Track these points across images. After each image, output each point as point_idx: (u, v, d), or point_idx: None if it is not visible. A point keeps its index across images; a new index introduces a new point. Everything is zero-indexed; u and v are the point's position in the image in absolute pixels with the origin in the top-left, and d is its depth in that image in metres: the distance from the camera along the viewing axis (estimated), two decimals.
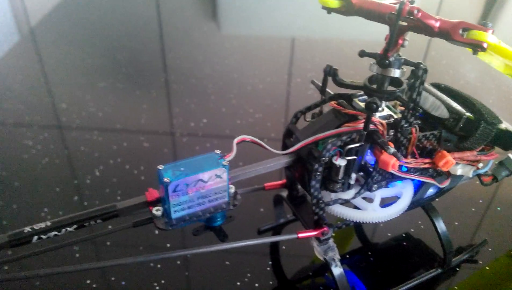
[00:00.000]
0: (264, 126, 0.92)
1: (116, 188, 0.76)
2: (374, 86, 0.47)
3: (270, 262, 0.65)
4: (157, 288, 0.61)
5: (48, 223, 0.41)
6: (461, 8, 1.61)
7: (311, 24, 1.42)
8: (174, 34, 1.37)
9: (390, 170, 0.47)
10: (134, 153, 0.85)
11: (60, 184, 0.77)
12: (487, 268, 0.64)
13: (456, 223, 0.71)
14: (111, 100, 1.01)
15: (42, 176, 0.79)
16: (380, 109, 0.49)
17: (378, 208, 0.52)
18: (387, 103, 0.50)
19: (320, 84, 0.52)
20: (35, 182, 0.78)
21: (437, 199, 0.72)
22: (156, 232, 0.68)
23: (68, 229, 0.41)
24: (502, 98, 1.04)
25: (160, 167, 0.41)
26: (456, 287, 0.61)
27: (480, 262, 0.65)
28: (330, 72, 0.49)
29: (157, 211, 0.42)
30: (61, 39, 1.32)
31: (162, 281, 0.62)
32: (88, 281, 0.61)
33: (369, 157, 0.51)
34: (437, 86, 0.57)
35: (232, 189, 0.45)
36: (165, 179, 0.39)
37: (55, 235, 0.41)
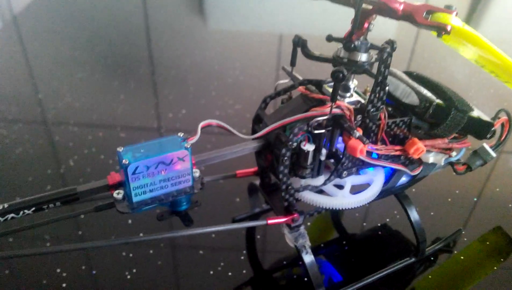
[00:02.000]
0: (243, 117, 0.92)
1: (90, 177, 0.75)
2: (344, 60, 0.46)
3: (244, 252, 0.65)
4: (129, 277, 0.60)
5: (6, 205, 0.40)
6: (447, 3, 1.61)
7: (297, 20, 1.42)
8: (158, 27, 1.36)
9: (358, 155, 0.46)
10: (110, 143, 0.84)
11: (33, 174, 0.76)
12: (460, 256, 0.64)
13: (431, 213, 0.71)
14: (88, 91, 1.00)
15: (15, 166, 0.78)
16: (348, 94, 0.48)
17: (348, 195, 0.52)
18: (356, 88, 0.49)
19: (290, 70, 0.52)
20: (8, 171, 0.77)
21: (413, 189, 0.73)
22: (130, 221, 0.68)
23: (27, 211, 0.40)
24: (482, 91, 1.05)
25: (120, 149, 0.40)
26: (430, 276, 0.61)
27: (455, 252, 0.65)
28: (299, 43, 0.48)
29: (118, 194, 0.42)
30: (43, 29, 1.30)
31: (134, 270, 0.61)
32: (58, 270, 0.60)
33: (340, 145, 0.51)
34: (409, 73, 0.56)
35: (197, 173, 0.44)
36: (124, 161, 0.39)
37: (13, 217, 0.40)
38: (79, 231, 0.66)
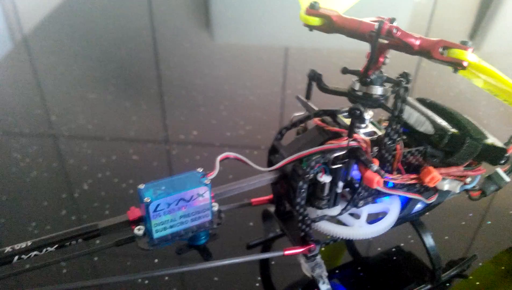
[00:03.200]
0: (255, 138, 0.92)
1: (105, 202, 0.76)
2: (359, 93, 0.46)
3: (259, 278, 0.65)
4: None
5: (29, 243, 0.40)
6: (452, 19, 1.62)
7: (303, 33, 1.42)
8: (166, 44, 1.38)
9: (375, 187, 0.47)
10: (123, 166, 0.84)
11: (48, 198, 0.76)
12: (475, 281, 0.64)
13: (446, 237, 0.71)
14: (101, 112, 1.01)
15: (30, 190, 0.78)
16: (363, 125, 0.49)
17: (365, 224, 0.52)
18: (371, 119, 0.50)
19: (305, 100, 0.52)
20: (23, 196, 0.77)
21: (427, 213, 0.73)
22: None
23: (49, 249, 0.41)
24: (492, 109, 1.05)
25: (141, 186, 0.40)
26: None
27: (471, 277, 0.65)
28: (315, 78, 0.49)
29: (139, 230, 0.42)
30: (54, 49, 1.32)
31: None
32: None
33: (355, 173, 0.51)
34: (422, 101, 0.57)
35: (216, 207, 0.45)
36: (145, 199, 0.39)
37: (36, 255, 0.41)
38: (94, 257, 0.67)
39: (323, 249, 0.69)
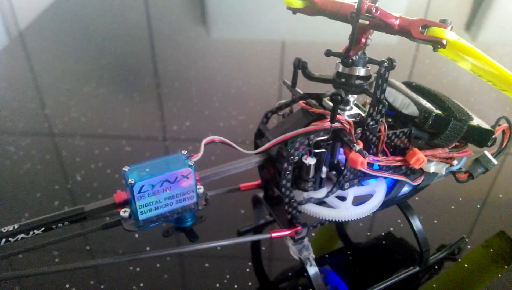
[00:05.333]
0: (247, 128, 0.93)
1: (97, 192, 0.76)
2: (343, 80, 0.47)
3: (249, 263, 0.65)
4: None
5: (16, 226, 0.41)
6: (448, 13, 1.62)
7: (300, 27, 1.43)
8: (162, 39, 1.38)
9: (359, 168, 0.47)
10: (116, 157, 0.85)
11: (41, 190, 0.77)
12: (464, 263, 0.64)
13: (435, 221, 0.71)
14: (94, 105, 1.01)
15: (23, 182, 0.79)
16: (348, 108, 0.49)
17: (351, 206, 0.53)
18: (356, 101, 0.50)
19: (291, 84, 0.53)
20: (16, 188, 0.78)
21: (416, 198, 0.73)
22: (136, 236, 0.69)
23: (36, 231, 0.41)
24: (484, 96, 1.05)
25: (126, 168, 0.41)
26: (434, 284, 0.62)
27: (459, 260, 0.65)
28: (299, 65, 0.49)
29: (124, 212, 0.42)
30: (49, 44, 1.32)
31: (141, 284, 0.62)
32: (67, 285, 0.61)
33: (342, 157, 0.51)
34: (408, 84, 0.57)
35: (201, 190, 0.45)
36: (130, 181, 0.40)
37: (23, 237, 0.41)
38: (87, 247, 0.67)
39: (313, 234, 0.70)
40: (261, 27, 1.47)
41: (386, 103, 0.46)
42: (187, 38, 1.36)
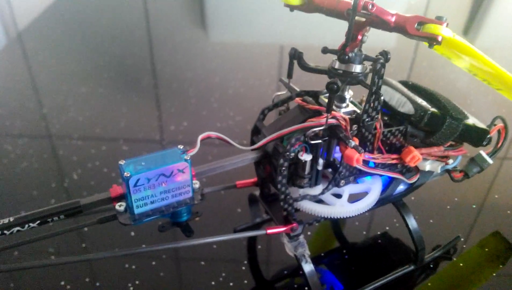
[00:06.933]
0: (244, 129, 0.93)
1: (94, 191, 0.76)
2: (339, 71, 0.47)
3: (245, 262, 0.65)
4: (132, 288, 0.61)
5: (11, 219, 0.41)
6: (448, 8, 1.63)
7: (297, 30, 1.43)
8: (160, 40, 1.38)
9: (355, 164, 0.47)
10: (113, 156, 0.85)
11: (37, 188, 0.77)
12: (459, 262, 0.65)
13: (431, 221, 0.71)
14: (91, 105, 1.01)
15: (20, 180, 0.79)
16: (344, 105, 0.49)
17: (346, 203, 0.53)
18: (352, 98, 0.50)
19: (288, 81, 0.53)
20: (13, 186, 0.78)
21: (412, 198, 0.74)
22: (132, 233, 0.69)
23: (32, 225, 0.41)
24: (481, 98, 1.06)
25: (122, 162, 0.41)
26: (429, 283, 0.62)
27: (455, 259, 0.65)
28: (295, 55, 0.49)
29: (120, 206, 0.43)
30: (47, 44, 1.32)
31: (137, 282, 0.62)
32: (62, 283, 0.61)
33: (338, 155, 0.52)
34: (404, 83, 0.58)
35: (197, 185, 0.45)
36: (125, 174, 0.40)
37: (18, 231, 0.41)
38: (82, 244, 0.67)
39: (309, 233, 0.70)
40: (259, 29, 1.48)
41: (382, 98, 0.46)
42: (185, 40, 1.36)
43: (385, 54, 0.47)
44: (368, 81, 0.46)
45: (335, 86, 0.42)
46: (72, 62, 1.22)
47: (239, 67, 1.20)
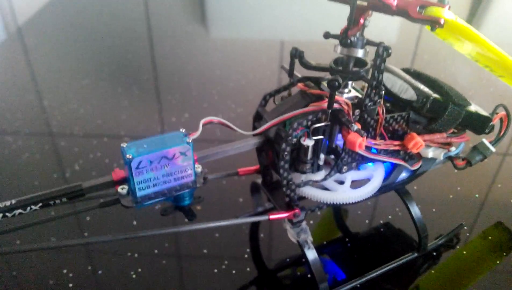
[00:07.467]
0: (245, 120, 0.93)
1: None
2: (340, 68, 0.47)
3: (247, 250, 0.65)
4: (134, 276, 0.61)
5: (13, 201, 0.41)
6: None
7: (299, 26, 1.43)
8: (161, 35, 1.38)
9: (357, 150, 0.47)
10: (114, 147, 0.85)
11: (39, 178, 0.77)
12: (462, 251, 0.65)
13: (434, 210, 0.71)
14: (93, 98, 1.01)
15: (21, 171, 0.79)
16: (346, 90, 0.49)
17: (349, 189, 0.53)
18: (354, 84, 0.50)
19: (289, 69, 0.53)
20: (14, 176, 0.78)
21: (415, 187, 0.73)
22: (134, 223, 0.69)
23: (34, 207, 0.41)
24: (482, 90, 1.05)
25: (124, 144, 0.41)
26: (432, 271, 0.62)
27: (458, 247, 0.65)
28: (296, 54, 0.49)
29: (122, 189, 0.42)
30: (47, 38, 1.32)
31: (139, 270, 0.62)
32: (64, 271, 0.61)
33: (340, 142, 0.52)
34: (406, 70, 0.57)
35: (199, 169, 0.45)
36: (127, 156, 0.40)
37: (20, 213, 0.41)
38: (85, 233, 0.67)
39: (312, 222, 0.70)
40: (261, 25, 1.48)
41: (385, 85, 0.46)
42: (186, 35, 1.36)
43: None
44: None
45: (337, 83, 0.42)
46: (72, 56, 1.22)
47: (240, 61, 1.20)
